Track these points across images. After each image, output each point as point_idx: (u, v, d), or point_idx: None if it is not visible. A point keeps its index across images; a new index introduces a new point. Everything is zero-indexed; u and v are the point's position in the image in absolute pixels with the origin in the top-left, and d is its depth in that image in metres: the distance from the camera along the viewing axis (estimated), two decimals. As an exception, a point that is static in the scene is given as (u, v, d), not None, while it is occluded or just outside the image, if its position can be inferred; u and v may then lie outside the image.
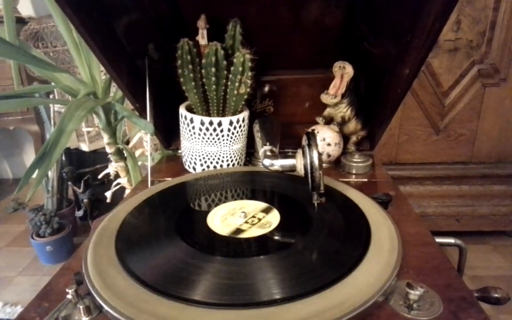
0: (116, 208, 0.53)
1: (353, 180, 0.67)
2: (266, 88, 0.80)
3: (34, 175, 0.67)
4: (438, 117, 1.42)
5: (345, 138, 0.76)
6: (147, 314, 0.33)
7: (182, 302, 0.34)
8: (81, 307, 0.35)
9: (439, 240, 0.54)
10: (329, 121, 0.73)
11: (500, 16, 1.25)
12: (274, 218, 0.49)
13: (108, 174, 1.08)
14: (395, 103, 0.62)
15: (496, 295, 0.57)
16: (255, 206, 0.52)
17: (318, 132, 0.70)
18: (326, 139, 0.69)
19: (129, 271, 0.38)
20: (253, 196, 0.56)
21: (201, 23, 0.63)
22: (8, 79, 1.68)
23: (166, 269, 0.39)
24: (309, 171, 0.46)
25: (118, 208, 0.52)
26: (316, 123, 0.75)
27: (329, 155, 0.70)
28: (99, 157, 1.71)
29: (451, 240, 0.54)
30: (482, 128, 1.42)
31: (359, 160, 0.68)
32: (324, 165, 0.72)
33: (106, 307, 0.34)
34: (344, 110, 0.70)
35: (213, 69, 0.63)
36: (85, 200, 1.48)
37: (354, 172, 0.69)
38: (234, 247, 0.44)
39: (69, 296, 0.36)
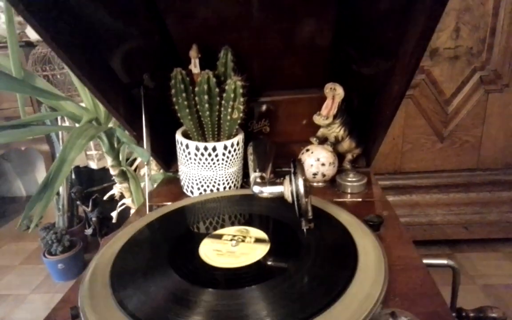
0: (112, 239, 0.54)
1: (348, 200, 0.68)
2: (262, 109, 0.81)
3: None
4: (442, 124, 1.41)
5: (342, 156, 0.77)
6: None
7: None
8: (75, 342, 0.37)
9: (432, 261, 0.54)
10: (323, 140, 0.74)
11: (499, 22, 1.25)
12: (264, 245, 0.50)
13: (113, 195, 1.11)
14: (386, 122, 0.62)
15: (492, 315, 0.57)
16: (246, 232, 0.53)
17: (312, 152, 0.71)
18: (321, 159, 0.70)
19: (122, 305, 0.40)
20: (245, 222, 0.57)
21: (193, 53, 0.65)
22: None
23: (158, 303, 0.41)
24: (295, 199, 0.47)
25: (114, 239, 0.54)
26: (312, 141, 0.76)
27: (323, 175, 0.71)
28: (107, 175, 1.74)
29: (444, 261, 0.54)
30: (487, 134, 1.41)
31: (353, 179, 0.69)
32: (319, 184, 0.73)
33: (97, 342, 0.36)
34: (337, 130, 0.71)
35: (206, 97, 0.64)
36: (93, 219, 1.51)
37: (349, 191, 0.69)
38: (223, 277, 0.45)
39: (64, 331, 0.38)
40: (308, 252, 0.48)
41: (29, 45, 1.75)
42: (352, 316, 0.36)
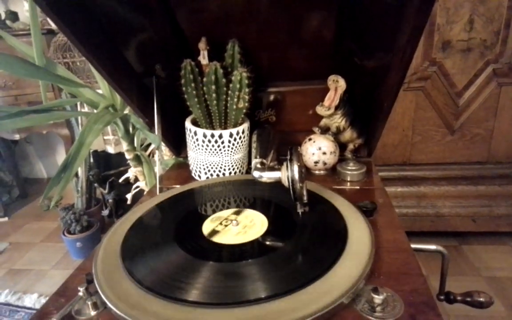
0: (124, 217, 0.60)
1: (347, 188, 0.71)
2: (268, 99, 0.84)
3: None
4: (452, 117, 1.41)
5: (344, 146, 0.80)
6: (141, 310, 0.39)
7: (175, 302, 0.40)
8: (89, 303, 0.42)
9: (421, 246, 0.57)
10: (325, 130, 0.77)
11: (515, 14, 1.23)
12: (262, 225, 0.54)
13: (128, 178, 1.17)
14: (384, 114, 0.65)
15: (479, 299, 0.60)
16: (247, 213, 0.57)
17: (314, 141, 0.74)
18: (322, 148, 0.73)
19: (130, 274, 0.45)
20: (247, 204, 0.62)
21: (202, 45, 0.68)
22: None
23: (163, 273, 0.45)
24: (290, 184, 0.50)
25: (126, 216, 0.59)
26: (315, 131, 0.79)
27: (325, 163, 0.74)
28: (124, 159, 1.81)
29: (433, 247, 0.57)
30: (499, 127, 1.40)
31: (353, 168, 0.72)
32: (321, 172, 0.76)
33: (109, 304, 0.41)
34: (338, 121, 0.74)
35: (213, 87, 0.68)
36: (110, 200, 1.59)
37: (348, 179, 0.72)
38: (224, 252, 0.49)
39: (80, 293, 0.43)
40: (302, 233, 0.52)
41: (51, 32, 1.82)
42: (337, 289, 0.40)
